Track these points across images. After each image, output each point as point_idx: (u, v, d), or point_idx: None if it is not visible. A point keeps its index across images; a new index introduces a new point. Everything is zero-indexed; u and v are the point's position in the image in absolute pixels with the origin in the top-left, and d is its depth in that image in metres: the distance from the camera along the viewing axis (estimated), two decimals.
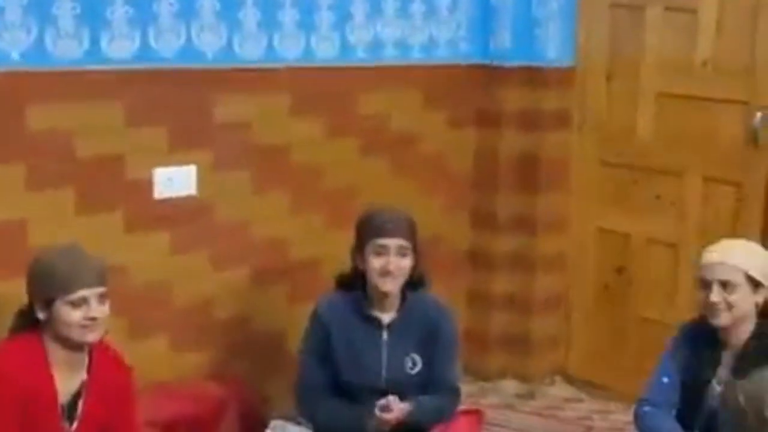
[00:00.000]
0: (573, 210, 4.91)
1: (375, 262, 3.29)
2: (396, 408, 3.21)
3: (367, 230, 3.33)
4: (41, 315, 2.86)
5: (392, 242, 3.29)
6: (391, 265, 3.28)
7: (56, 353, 2.88)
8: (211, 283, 4.00)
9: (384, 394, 3.26)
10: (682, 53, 4.48)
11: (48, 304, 2.84)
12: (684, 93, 4.49)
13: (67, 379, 2.91)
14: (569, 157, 4.87)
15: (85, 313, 2.84)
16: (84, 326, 2.84)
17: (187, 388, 3.81)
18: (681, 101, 4.50)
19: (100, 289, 2.87)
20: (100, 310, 2.86)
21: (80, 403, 2.94)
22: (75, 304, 2.83)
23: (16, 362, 2.82)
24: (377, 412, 3.20)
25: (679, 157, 4.52)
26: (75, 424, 2.93)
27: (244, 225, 4.07)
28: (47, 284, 2.84)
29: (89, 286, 2.85)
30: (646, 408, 3.27)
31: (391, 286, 3.31)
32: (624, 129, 4.70)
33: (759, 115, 4.25)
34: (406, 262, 3.31)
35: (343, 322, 3.36)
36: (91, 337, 2.88)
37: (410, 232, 3.33)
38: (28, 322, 2.91)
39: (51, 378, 2.87)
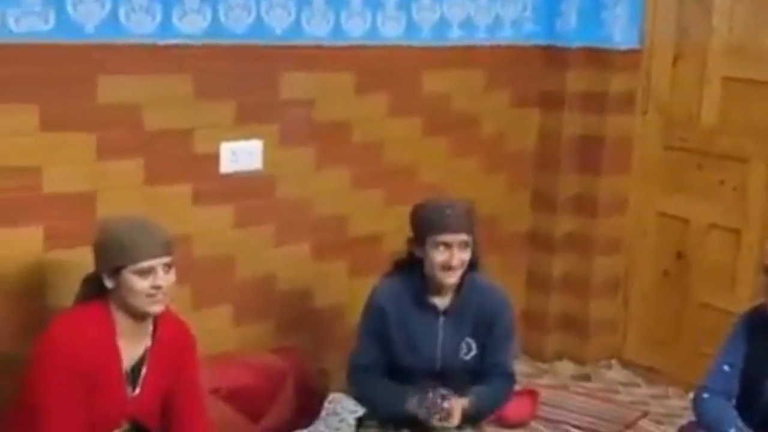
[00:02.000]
0: (634, 193, 4.89)
1: (437, 257, 3.28)
2: (456, 413, 3.22)
3: (429, 225, 3.30)
4: (109, 283, 2.91)
5: (455, 238, 3.27)
6: (454, 260, 3.27)
7: (122, 321, 2.93)
8: (273, 257, 4.06)
9: (438, 378, 3.28)
10: (750, 37, 4.43)
11: (115, 272, 2.89)
12: (751, 77, 4.44)
13: (132, 346, 2.97)
14: (632, 140, 4.85)
15: (152, 282, 2.88)
16: (150, 295, 2.88)
17: (248, 359, 3.87)
18: (747, 86, 4.45)
19: (167, 259, 2.92)
20: (166, 279, 2.91)
21: (143, 370, 2.99)
22: (142, 273, 2.87)
23: (83, 330, 2.88)
24: (437, 422, 3.22)
25: (744, 142, 4.48)
26: (137, 390, 2.99)
27: (306, 200, 4.12)
28: (115, 253, 2.88)
29: (156, 255, 2.89)
30: (706, 395, 3.25)
31: (454, 279, 3.31)
32: (688, 113, 4.67)
33: None
34: (467, 255, 3.31)
35: (400, 307, 3.37)
36: (156, 308, 2.92)
37: (471, 224, 3.31)
38: (94, 290, 2.96)
39: (117, 346, 2.93)
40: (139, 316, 2.93)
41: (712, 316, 4.48)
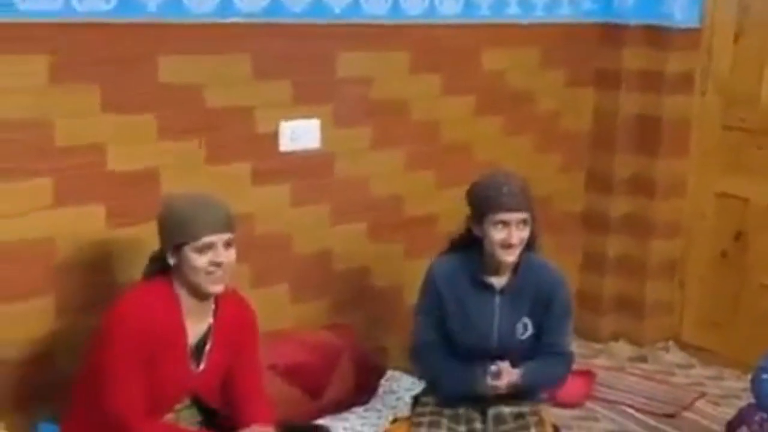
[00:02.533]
0: (692, 174, 4.85)
1: (496, 235, 3.26)
2: (506, 374, 3.23)
3: (487, 203, 3.28)
4: (171, 260, 2.93)
5: (514, 216, 3.25)
6: (513, 238, 3.25)
7: (186, 299, 2.95)
8: (330, 235, 4.07)
9: (495, 357, 3.28)
10: None
11: (177, 249, 2.91)
12: None
13: (196, 324, 2.99)
14: (690, 120, 4.80)
15: (212, 257, 2.89)
16: (209, 272, 2.89)
17: (305, 336, 3.90)
18: None
19: (227, 235, 2.92)
20: (226, 255, 2.91)
21: (207, 347, 3.01)
22: (201, 250, 2.88)
23: (150, 307, 2.90)
24: (488, 379, 3.23)
25: None
26: (202, 366, 3.01)
27: (363, 180, 4.13)
28: (176, 230, 2.91)
29: (215, 231, 2.90)
30: (765, 375, 3.24)
31: (513, 257, 3.30)
32: (749, 93, 4.61)
33: None
34: (526, 233, 3.29)
35: (457, 286, 3.36)
36: (216, 287, 2.93)
37: (529, 202, 3.29)
38: (160, 267, 2.98)
39: (182, 323, 2.95)
40: (200, 295, 2.95)
41: None
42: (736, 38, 4.62)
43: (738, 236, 4.71)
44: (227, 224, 2.95)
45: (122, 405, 2.87)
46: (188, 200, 2.97)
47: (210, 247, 2.89)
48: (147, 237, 3.22)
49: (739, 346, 4.57)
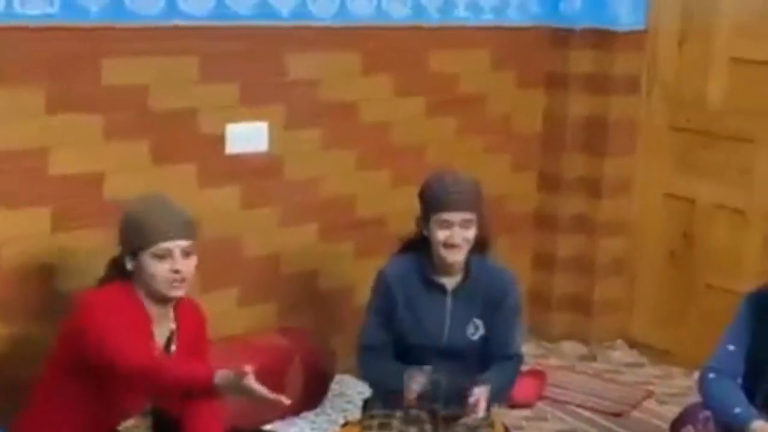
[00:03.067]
0: (639, 174, 4.89)
1: (439, 235, 3.26)
2: (482, 399, 3.19)
3: (431, 202, 3.30)
4: (129, 265, 2.88)
5: (457, 216, 3.25)
6: (456, 238, 3.25)
7: (149, 304, 2.90)
8: (280, 238, 4.07)
9: (445, 357, 3.29)
10: (757, 17, 4.42)
11: (135, 255, 2.86)
12: (757, 58, 4.43)
13: (159, 332, 2.94)
14: (637, 121, 4.84)
15: (170, 265, 2.85)
16: (168, 279, 2.85)
17: (254, 340, 3.88)
18: (754, 67, 4.44)
19: (185, 243, 2.88)
20: (185, 264, 2.87)
21: (171, 355, 2.96)
22: (159, 257, 2.84)
23: (120, 311, 2.82)
24: (466, 412, 3.20)
25: (751, 123, 4.47)
26: None
27: (313, 181, 4.12)
28: (134, 235, 2.86)
29: (173, 238, 2.86)
30: (711, 375, 3.25)
31: (457, 257, 3.30)
32: (694, 94, 4.66)
33: None
34: (471, 233, 3.29)
35: (408, 286, 3.35)
36: (176, 292, 2.88)
37: (474, 202, 3.29)
38: (119, 273, 2.93)
39: (151, 329, 2.90)
40: (160, 300, 2.90)
41: (718, 296, 4.48)
42: (681, 41, 4.67)
43: (685, 236, 4.75)
44: (186, 231, 2.90)
45: None
46: (147, 205, 2.93)
47: (168, 253, 2.85)
48: (93, 241, 3.20)
49: (687, 345, 4.61)
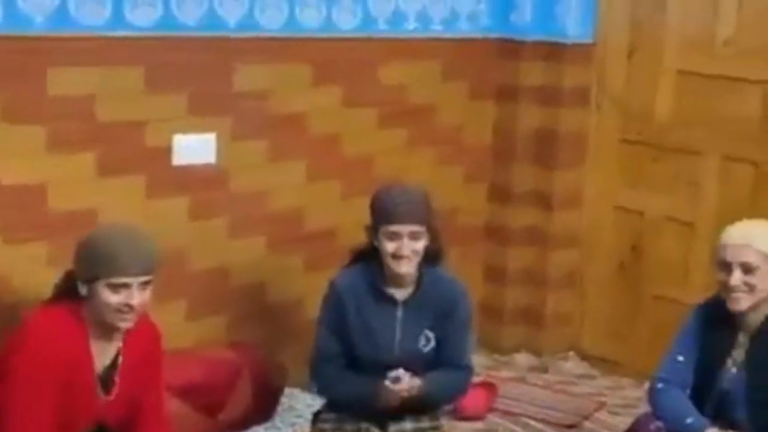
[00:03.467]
0: (590, 186, 4.91)
1: (388, 246, 3.26)
2: (406, 380, 3.22)
3: (380, 214, 3.30)
4: (83, 290, 2.83)
5: (404, 228, 3.25)
6: (404, 249, 3.25)
7: (93, 327, 2.85)
8: (228, 251, 4.03)
9: (397, 368, 3.27)
10: (704, 31, 4.46)
11: (90, 281, 2.81)
12: (704, 72, 4.47)
13: (103, 350, 2.90)
14: (587, 133, 4.86)
15: (124, 299, 2.79)
16: (119, 311, 2.80)
17: (202, 354, 3.84)
18: (701, 80, 4.48)
19: (144, 278, 2.82)
20: (139, 298, 2.81)
21: (116, 374, 2.92)
22: (115, 288, 2.78)
23: (56, 334, 2.80)
24: (387, 383, 3.22)
25: (698, 135, 4.51)
26: (111, 395, 2.92)
27: (261, 193, 4.09)
28: (92, 263, 2.80)
29: (134, 274, 2.79)
30: (660, 385, 3.26)
31: (405, 269, 3.29)
32: (643, 107, 4.69)
33: None
34: (420, 245, 3.28)
35: (359, 297, 3.34)
36: (125, 324, 2.83)
37: (423, 214, 3.28)
38: (71, 289, 2.87)
39: (89, 350, 2.86)
40: (108, 327, 2.86)
41: (667, 307, 4.50)
42: (630, 53, 4.70)
43: (634, 248, 4.78)
44: (147, 267, 2.84)
45: None
46: (111, 234, 2.86)
47: (124, 286, 2.79)
48: (37, 252, 3.14)
49: (637, 356, 4.63)
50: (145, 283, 2.83)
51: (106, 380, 2.90)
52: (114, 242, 2.81)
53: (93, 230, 2.93)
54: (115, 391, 2.92)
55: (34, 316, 2.87)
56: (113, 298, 2.78)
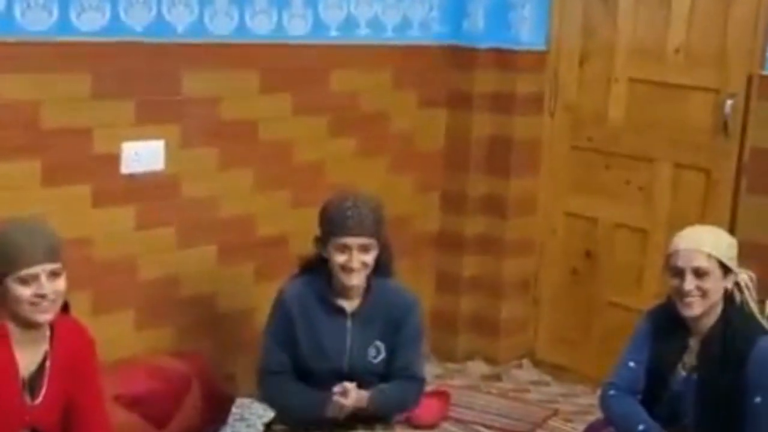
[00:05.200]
0: (542, 193, 4.91)
1: (338, 258, 3.25)
2: (353, 393, 3.19)
3: (330, 226, 3.28)
4: None
5: (356, 241, 3.23)
6: (354, 262, 3.24)
7: (15, 329, 2.82)
8: (177, 259, 3.98)
9: (347, 380, 3.24)
10: (655, 39, 4.48)
11: (1, 282, 2.77)
12: (656, 79, 4.49)
13: (29, 354, 2.86)
14: (540, 140, 4.87)
15: (35, 290, 2.76)
16: (33, 303, 2.76)
17: (151, 364, 3.79)
18: (653, 87, 4.51)
19: (51, 266, 2.79)
20: (51, 288, 2.78)
21: (43, 378, 2.88)
22: (24, 281, 2.75)
23: None
24: (335, 397, 3.19)
25: (650, 143, 4.53)
26: (38, 399, 2.88)
27: (211, 201, 4.04)
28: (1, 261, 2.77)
29: (39, 262, 2.76)
30: (612, 392, 3.26)
31: (355, 281, 3.27)
32: (595, 114, 4.70)
33: (729, 102, 4.26)
34: (370, 257, 3.27)
35: (307, 308, 3.32)
36: (42, 317, 2.80)
37: (374, 227, 3.26)
38: None
39: (12, 354, 2.81)
40: (27, 325, 2.81)
41: (620, 314, 4.51)
42: (582, 61, 4.71)
43: (587, 254, 4.78)
44: (51, 254, 2.79)
45: None
46: (12, 229, 2.82)
47: (33, 278, 2.75)
48: None
49: (590, 363, 4.63)
50: (54, 273, 2.80)
51: (33, 385, 2.86)
52: (13, 236, 2.78)
53: None
54: (41, 395, 2.87)
55: None
56: (24, 292, 2.75)
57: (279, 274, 3.74)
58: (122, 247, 3.79)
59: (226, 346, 4.15)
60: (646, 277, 4.56)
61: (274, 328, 3.36)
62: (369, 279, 3.31)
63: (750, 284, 3.21)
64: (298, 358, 3.32)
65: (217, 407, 3.92)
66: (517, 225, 4.91)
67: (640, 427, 3.15)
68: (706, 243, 3.11)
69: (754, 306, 3.21)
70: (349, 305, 3.32)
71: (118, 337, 3.75)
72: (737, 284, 3.18)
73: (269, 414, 3.58)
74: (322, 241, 3.31)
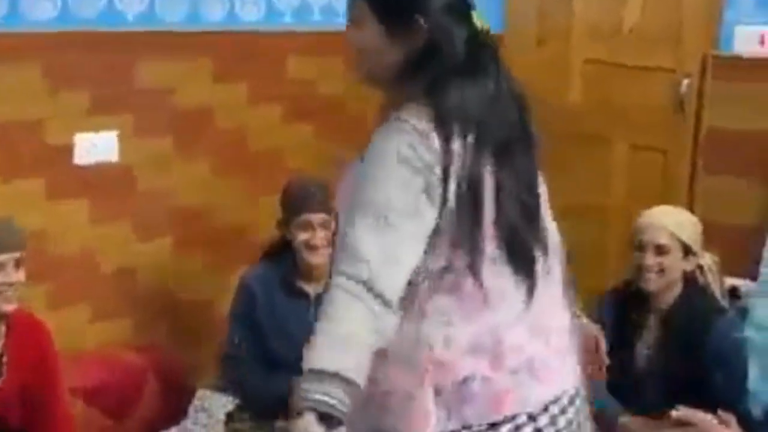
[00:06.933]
0: None
1: (301, 236, 3.27)
2: None
3: (291, 205, 3.31)
4: None
5: (316, 217, 3.26)
6: (316, 239, 3.25)
7: None
8: (134, 251, 3.93)
9: None
10: (610, 20, 4.49)
11: None
12: (612, 60, 4.50)
13: None
14: None
15: (3, 278, 2.80)
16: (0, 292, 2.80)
17: (108, 357, 3.75)
18: (609, 68, 4.52)
19: (17, 254, 2.84)
20: (17, 276, 2.83)
21: (1, 369, 2.90)
22: None
23: None
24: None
25: (607, 123, 4.54)
26: None
27: (167, 192, 4.00)
28: None
29: (7, 250, 2.81)
30: None
31: (319, 259, 3.28)
32: (553, 96, 4.69)
33: (685, 82, 4.28)
34: (330, 234, 3.28)
35: (270, 293, 3.32)
36: (7, 307, 2.84)
37: (330, 204, 3.27)
38: None
39: None
40: None
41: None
42: (539, 42, 4.70)
43: None
44: (18, 243, 2.86)
45: None
46: None
47: (2, 266, 2.80)
48: None
49: None
50: (18, 261, 2.84)
51: None
52: None
53: None
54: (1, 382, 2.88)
55: None
56: None
57: (238, 263, 3.73)
58: (77, 239, 3.74)
59: (186, 338, 4.11)
60: (608, 258, 4.56)
61: (237, 312, 3.37)
62: (331, 261, 3.31)
63: (714, 268, 3.28)
64: (264, 342, 3.31)
65: (177, 398, 3.89)
66: None
67: (604, 407, 3.17)
68: (670, 222, 3.20)
69: (716, 289, 3.28)
70: (313, 289, 3.31)
71: (75, 331, 3.70)
72: (700, 267, 3.25)
73: (230, 405, 3.56)
74: (285, 222, 3.31)
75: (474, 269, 1.92)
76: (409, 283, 1.90)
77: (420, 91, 1.96)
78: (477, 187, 1.91)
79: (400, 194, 1.87)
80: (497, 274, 1.95)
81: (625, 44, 4.45)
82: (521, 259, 1.97)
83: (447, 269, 1.94)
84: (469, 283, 1.93)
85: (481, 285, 1.93)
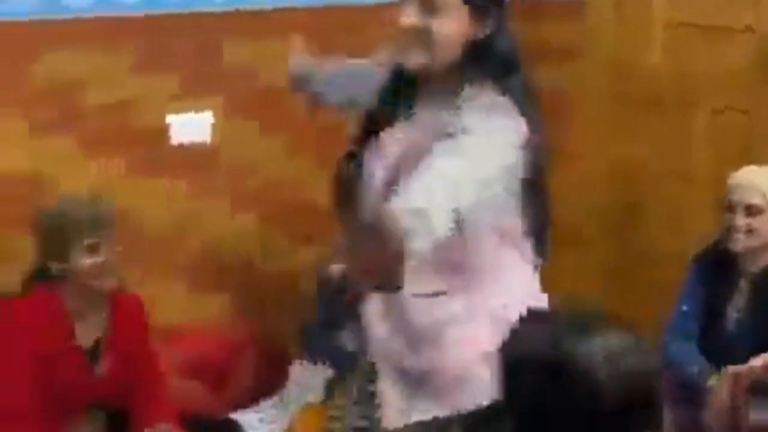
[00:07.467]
0: (582, 142, 4.83)
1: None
2: None
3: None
4: (56, 267, 2.88)
5: None
6: None
7: (74, 303, 2.91)
8: (224, 227, 3.96)
9: None
10: None
11: (62, 256, 2.87)
12: (694, 21, 4.42)
13: (89, 326, 2.95)
14: (576, 90, 4.80)
15: (101, 257, 2.87)
16: (98, 272, 2.87)
17: (205, 329, 3.84)
18: (691, 30, 4.43)
19: (110, 233, 2.91)
20: (112, 254, 2.89)
21: (104, 350, 2.98)
22: (90, 250, 2.86)
23: (34, 316, 2.86)
24: None
25: (689, 87, 4.47)
26: (102, 368, 2.97)
27: (251, 168, 3.98)
28: (62, 236, 2.86)
29: (101, 228, 2.89)
30: (667, 337, 3.29)
31: None
32: (633, 61, 4.63)
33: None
34: None
35: None
36: (107, 284, 2.91)
37: None
38: (41, 279, 2.93)
39: (72, 328, 2.91)
40: (91, 295, 2.91)
41: (664, 261, 4.42)
42: (617, 6, 4.63)
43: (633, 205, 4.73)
44: (109, 222, 2.95)
45: None
46: (68, 205, 2.97)
47: (96, 247, 2.88)
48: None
49: (636, 311, 4.55)
50: (113, 241, 2.92)
51: (95, 355, 2.96)
52: (75, 210, 2.90)
53: (49, 210, 2.96)
54: (105, 367, 2.97)
55: (6, 308, 2.92)
56: (88, 261, 2.86)
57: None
58: (170, 217, 3.79)
59: (280, 311, 4.10)
60: (690, 224, 4.50)
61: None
62: None
63: None
64: None
65: (275, 369, 3.95)
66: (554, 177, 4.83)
67: (694, 369, 3.18)
68: (763, 182, 3.16)
69: None
70: None
71: (170, 307, 3.73)
72: None
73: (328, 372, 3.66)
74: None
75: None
76: None
77: (486, 75, 2.17)
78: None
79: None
80: None
81: (710, 5, 4.36)
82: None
83: None
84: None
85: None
